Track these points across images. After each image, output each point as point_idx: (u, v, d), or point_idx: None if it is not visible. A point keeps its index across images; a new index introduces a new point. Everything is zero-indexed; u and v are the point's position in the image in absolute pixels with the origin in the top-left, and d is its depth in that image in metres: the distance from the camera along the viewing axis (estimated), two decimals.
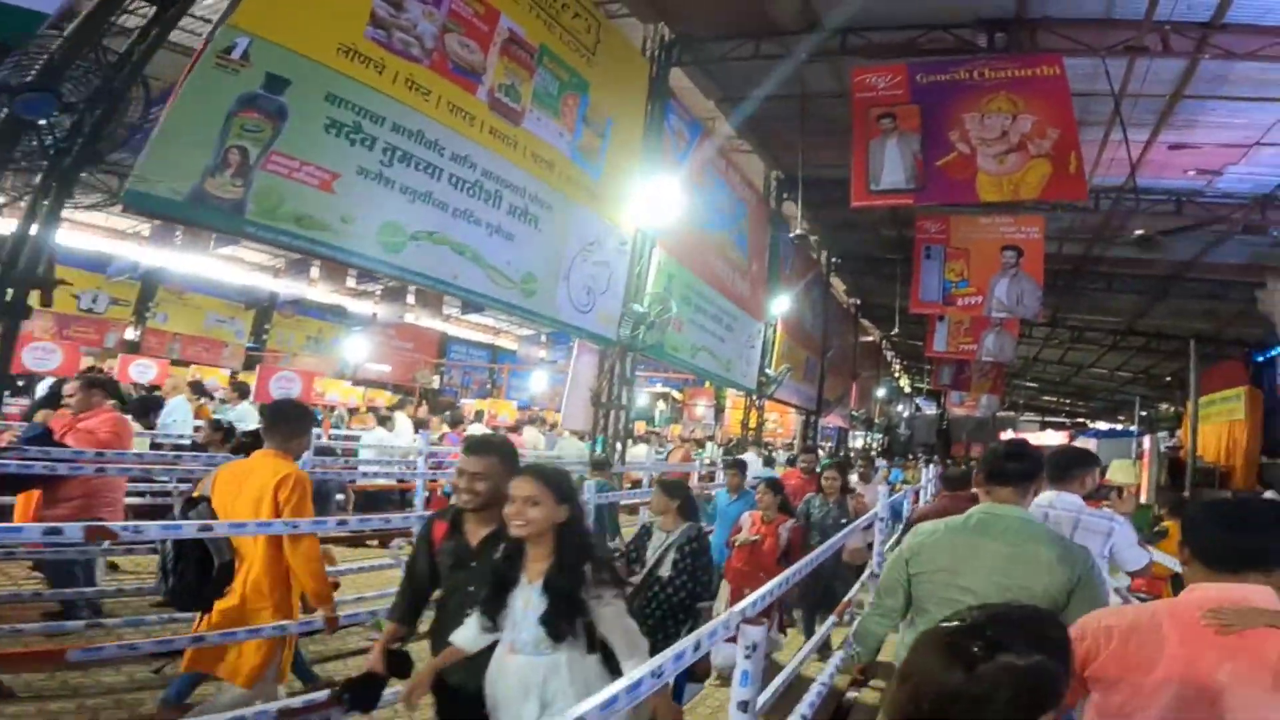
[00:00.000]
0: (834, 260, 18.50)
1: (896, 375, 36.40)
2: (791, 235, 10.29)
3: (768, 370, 12.44)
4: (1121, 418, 37.87)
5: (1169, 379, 24.69)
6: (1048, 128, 7.11)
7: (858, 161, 7.96)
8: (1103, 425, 38.69)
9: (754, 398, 12.65)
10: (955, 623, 1.03)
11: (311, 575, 2.82)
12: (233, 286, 19.02)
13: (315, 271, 18.76)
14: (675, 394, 33.03)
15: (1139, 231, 8.58)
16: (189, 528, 2.58)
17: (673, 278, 9.22)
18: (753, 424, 12.88)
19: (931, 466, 12.27)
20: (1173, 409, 28.54)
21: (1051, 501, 2.88)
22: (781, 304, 12.86)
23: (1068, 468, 3.04)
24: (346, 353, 21.58)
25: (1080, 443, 32.71)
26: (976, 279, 11.98)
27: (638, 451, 13.60)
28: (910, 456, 15.87)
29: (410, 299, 21.60)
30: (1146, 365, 23.84)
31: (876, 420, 31.50)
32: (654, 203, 8.30)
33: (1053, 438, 44.62)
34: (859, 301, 23.02)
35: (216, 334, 19.54)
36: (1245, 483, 17.68)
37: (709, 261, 10.39)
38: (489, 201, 6.32)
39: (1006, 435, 45.69)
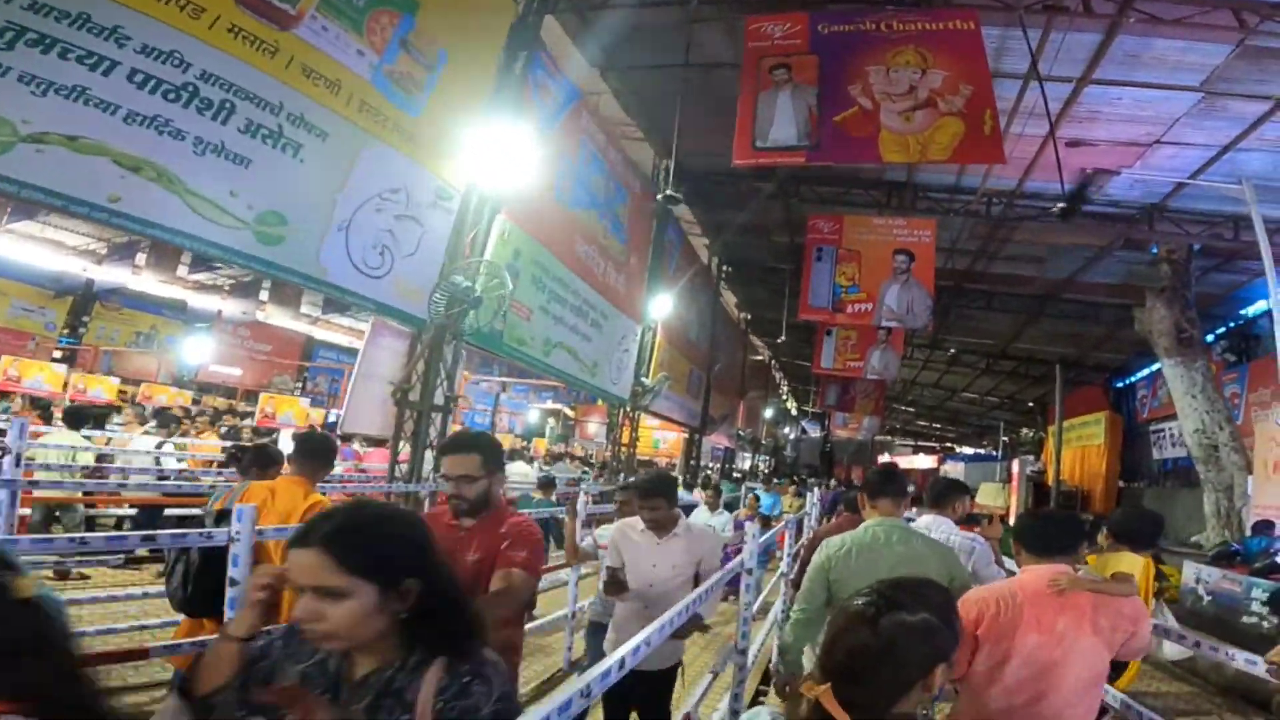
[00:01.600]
0: (725, 268, 17.39)
1: (784, 397, 36.37)
2: (661, 195, 8.56)
3: (644, 379, 10.82)
4: (985, 442, 39.86)
5: (1032, 404, 25.67)
6: (960, 84, 6.00)
7: (743, 115, 6.56)
8: (969, 450, 40.61)
9: (627, 409, 10.99)
10: (858, 600, 1.25)
11: None
12: (45, 272, 16.42)
13: (141, 258, 15.88)
14: (568, 411, 31.27)
15: (1061, 206, 7.73)
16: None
17: (520, 254, 7.40)
18: (624, 439, 11.18)
19: (816, 491, 11.27)
20: (1034, 434, 30.00)
21: (929, 524, 3.40)
22: (663, 306, 11.33)
23: (945, 494, 3.62)
24: (186, 353, 18.78)
25: (949, 466, 33.82)
26: (867, 284, 11.01)
27: (515, 468, 11.64)
28: (793, 479, 14.76)
29: (264, 295, 18.59)
30: (1013, 390, 24.57)
31: (764, 441, 30.95)
32: (500, 161, 6.47)
33: (924, 461, 46.66)
34: (749, 316, 22.16)
35: (22, 324, 16.34)
36: (1105, 506, 18.07)
37: (574, 244, 8.66)
38: (207, 112, 4.41)
39: (884, 458, 47.45)
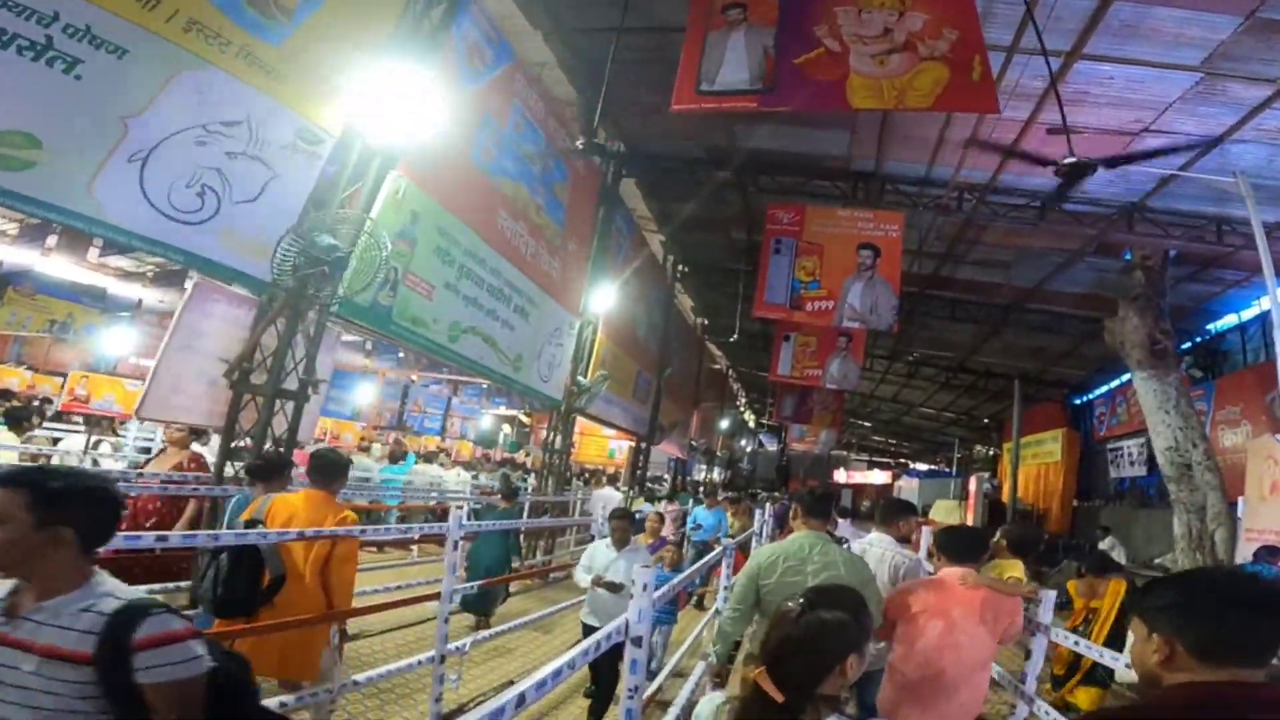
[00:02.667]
0: (681, 267, 16.35)
1: (741, 408, 35.56)
2: (581, 142, 7.38)
3: (581, 378, 9.62)
4: (939, 459, 39.75)
5: (987, 421, 25.30)
6: (944, 28, 5.03)
7: (688, 57, 5.50)
8: (923, 466, 40.45)
9: (560, 411, 9.76)
10: (791, 601, 1.55)
11: (346, 593, 3.33)
12: None
13: (53, 240, 14.18)
14: (523, 417, 29.85)
15: (1068, 159, 6.82)
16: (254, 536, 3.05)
17: (420, 219, 6.14)
18: (556, 444, 9.93)
19: (767, 507, 10.25)
20: (988, 451, 29.75)
21: (872, 540, 3.82)
22: (606, 299, 10.15)
23: (891, 514, 4.01)
24: (105, 344, 17.14)
25: (903, 482, 33.39)
26: (829, 280, 10.06)
27: (430, 470, 10.32)
28: (741, 493, 13.70)
29: (188, 283, 16.80)
30: (970, 406, 24.13)
31: (719, 453, 29.97)
32: (397, 109, 5.25)
33: (879, 477, 46.48)
34: (706, 321, 21.18)
35: None
36: (1060, 525, 17.57)
37: (495, 218, 7.44)
38: None
39: (839, 473, 47.10)
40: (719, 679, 2.99)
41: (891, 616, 2.87)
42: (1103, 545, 10.59)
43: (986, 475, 18.28)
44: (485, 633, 4.85)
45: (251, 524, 3.19)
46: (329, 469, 3.45)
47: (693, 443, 21.40)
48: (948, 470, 30.71)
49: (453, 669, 3.87)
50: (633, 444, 15.62)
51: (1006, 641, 2.90)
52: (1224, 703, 1.16)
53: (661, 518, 4.81)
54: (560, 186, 9.19)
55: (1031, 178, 10.12)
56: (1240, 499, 7.31)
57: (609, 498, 9.47)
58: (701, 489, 17.42)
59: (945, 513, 17.61)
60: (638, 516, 6.04)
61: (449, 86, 6.22)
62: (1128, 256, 11.45)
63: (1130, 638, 1.39)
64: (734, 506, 7.82)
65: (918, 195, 10.97)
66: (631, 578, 2.77)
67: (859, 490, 39.55)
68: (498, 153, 7.48)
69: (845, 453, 48.87)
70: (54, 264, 15.90)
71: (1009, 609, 2.83)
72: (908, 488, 31.48)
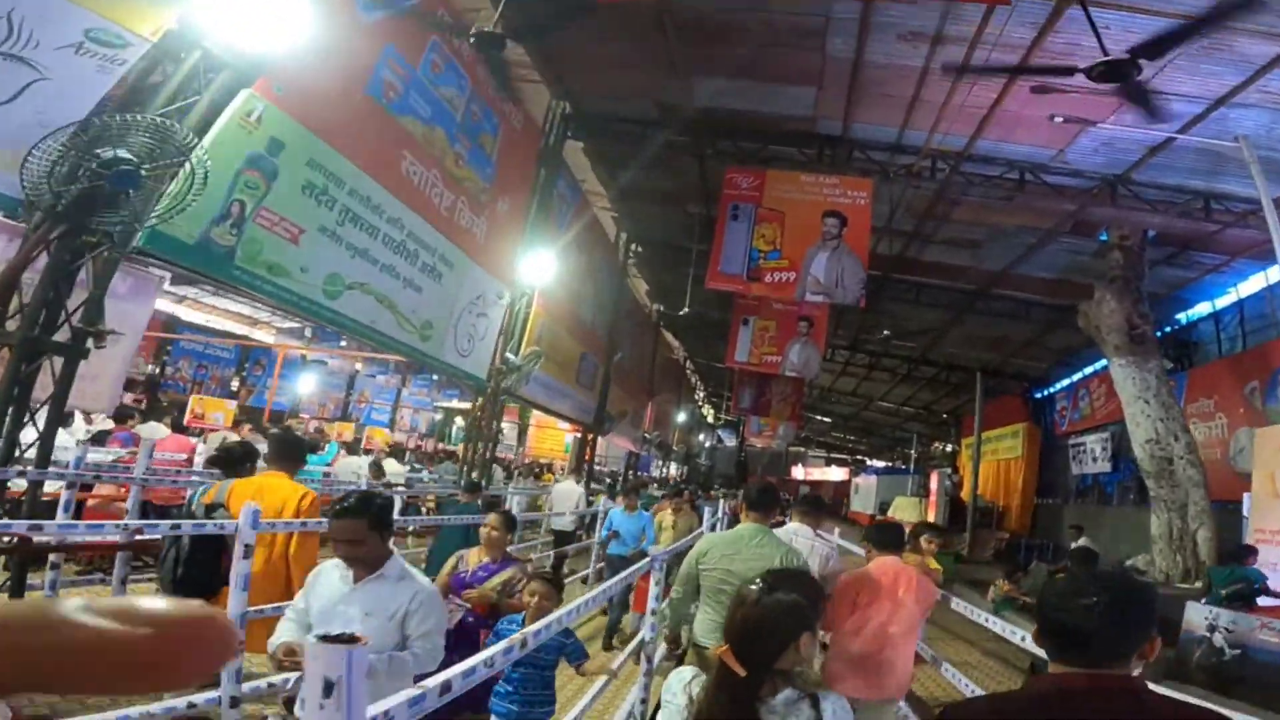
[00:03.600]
0: (634, 247, 15.23)
1: (700, 403, 34.71)
2: (474, 32, 6.12)
3: (510, 355, 8.41)
4: (896, 456, 39.65)
5: (946, 415, 24.94)
6: None
7: None
8: (879, 463, 40.30)
9: (487, 393, 8.54)
10: (749, 585, 1.67)
11: (308, 565, 3.10)
12: None
13: None
14: (477, 411, 28.45)
15: (1100, 61, 5.88)
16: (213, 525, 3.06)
17: (285, 149, 4.88)
18: (486, 433, 8.68)
19: (721, 504, 9.28)
20: (945, 447, 29.54)
21: (795, 529, 4.13)
22: (543, 269, 8.96)
23: (815, 508, 4.55)
24: None
25: (860, 479, 32.95)
26: (791, 249, 9.10)
27: (353, 462, 8.99)
28: (681, 490, 12.73)
29: None
30: (930, 400, 23.70)
31: (675, 448, 29.02)
32: (249, 13, 4.03)
33: (837, 473, 46.34)
34: (662, 308, 20.12)
35: None
36: (1020, 524, 17.10)
37: (396, 160, 6.20)
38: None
39: (797, 469, 46.76)
40: (673, 645, 3.34)
41: (842, 599, 3.20)
42: (1077, 545, 9.87)
43: (948, 471, 17.66)
44: None
45: (212, 508, 3.24)
46: (288, 450, 3.54)
47: (646, 435, 20.35)
48: (905, 467, 30.42)
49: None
50: (578, 434, 14.46)
51: (925, 616, 3.40)
52: (1062, 694, 1.23)
53: (510, 523, 3.27)
54: (489, 139, 7.97)
55: (1011, 145, 9.33)
56: (1246, 495, 6.52)
57: (568, 493, 8.85)
58: (651, 487, 16.35)
59: (907, 510, 16.96)
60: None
61: (337, 8, 5.02)
62: (1104, 238, 10.82)
63: None
64: (673, 503, 6.62)
65: (888, 162, 10.07)
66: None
67: (816, 487, 39.14)
68: (404, 89, 6.24)
69: (803, 449, 48.62)
70: None
71: (930, 590, 3.35)
72: (865, 484, 31.10)
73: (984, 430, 18.02)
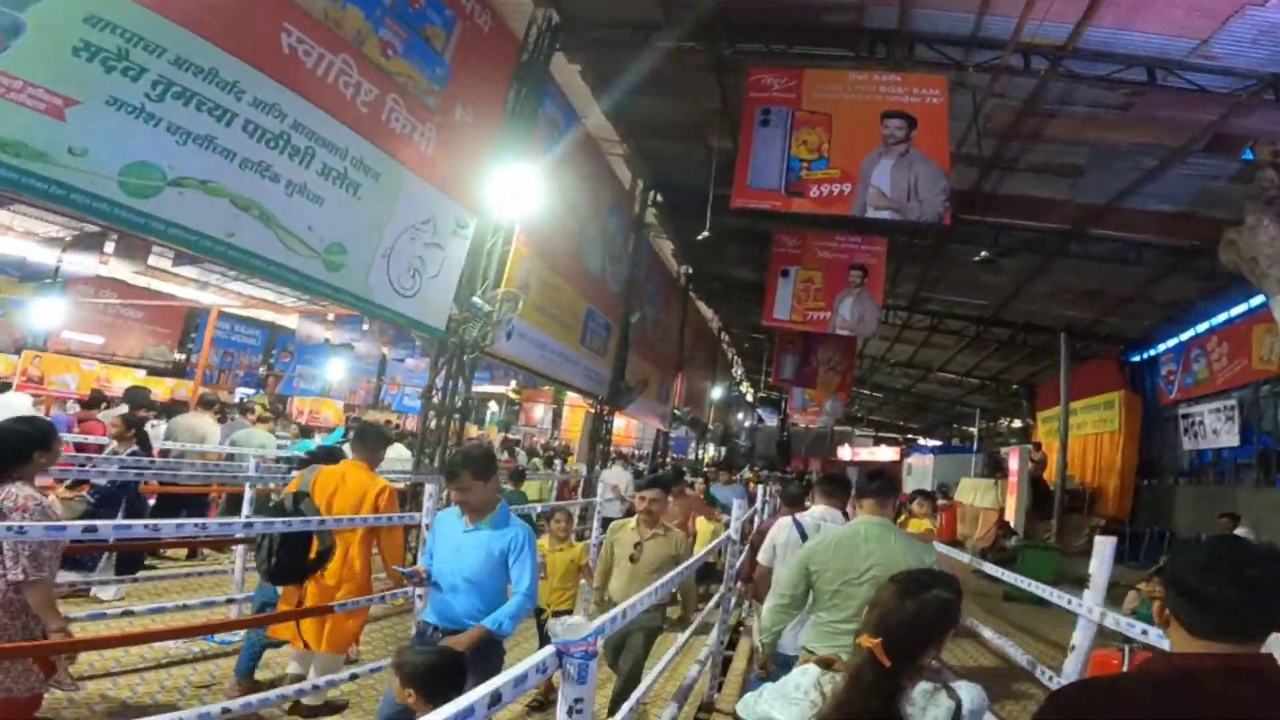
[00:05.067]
0: (654, 195, 13.14)
1: (737, 379, 32.50)
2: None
3: (477, 299, 6.49)
4: (949, 433, 36.71)
5: (1017, 386, 22.17)
6: None
7: None
8: (928, 441, 37.28)
9: (451, 348, 6.64)
10: (899, 580, 1.63)
11: (397, 556, 3.76)
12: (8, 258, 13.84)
13: (110, 246, 12.35)
14: (512, 394, 27.14)
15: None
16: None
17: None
18: (448, 403, 6.76)
19: (764, 489, 7.38)
20: (1011, 422, 26.67)
21: (820, 514, 3.67)
22: (523, 197, 6.98)
23: (838, 488, 3.87)
24: (35, 317, 15.53)
25: (914, 459, 30.39)
26: (842, 156, 6.95)
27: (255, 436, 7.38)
28: (727, 469, 10.55)
29: (109, 247, 14.16)
30: (999, 369, 21.02)
31: (711, 426, 26.87)
32: None
33: (885, 453, 43.44)
34: (691, 270, 18.00)
35: None
36: (1118, 508, 14.51)
37: (264, 29, 4.30)
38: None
39: (843, 450, 44.10)
40: (764, 671, 3.02)
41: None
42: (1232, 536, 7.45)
43: (1030, 448, 15.15)
44: None
45: (299, 497, 3.42)
46: (371, 440, 3.82)
47: (676, 412, 18.34)
48: (966, 446, 27.68)
49: None
50: (586, 407, 12.54)
51: None
52: (1196, 674, 1.13)
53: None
54: (437, 33, 6.00)
55: (1133, 34, 6.96)
56: None
57: (618, 479, 8.76)
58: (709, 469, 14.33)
59: (977, 494, 14.56)
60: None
61: None
62: (1249, 156, 8.41)
63: None
64: (653, 495, 4.31)
65: (963, 60, 7.76)
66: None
67: (864, 468, 36.48)
68: None
69: (849, 428, 45.85)
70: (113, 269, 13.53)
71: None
72: (919, 465, 28.40)
73: (1069, 401, 15.42)
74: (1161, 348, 14.90)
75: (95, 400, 7.33)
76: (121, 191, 3.48)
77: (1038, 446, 16.66)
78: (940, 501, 15.58)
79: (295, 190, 4.51)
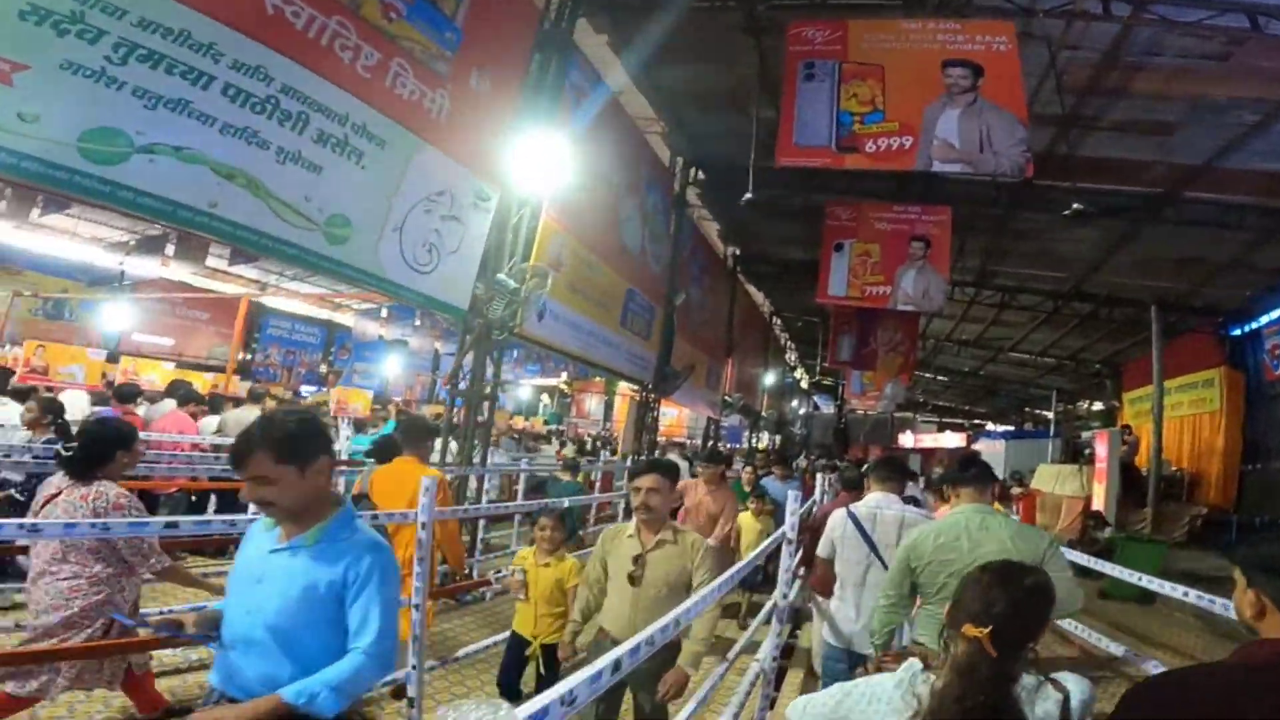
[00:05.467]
0: (694, 173, 12.53)
1: (791, 365, 31.50)
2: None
3: (502, 275, 6.09)
4: (1019, 417, 34.65)
5: (1099, 365, 20.54)
6: None
7: None
8: (997, 427, 35.21)
9: (476, 329, 6.26)
10: (994, 568, 1.55)
11: (454, 544, 3.95)
12: (74, 263, 14.73)
13: (170, 249, 13.34)
14: (564, 386, 27.15)
15: None
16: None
17: None
18: (482, 391, 6.36)
19: (822, 479, 6.79)
20: (1093, 405, 24.83)
21: (879, 501, 3.43)
22: (550, 168, 6.54)
23: (895, 472, 3.68)
24: (105, 320, 16.21)
25: (983, 445, 28.79)
26: (900, 109, 6.27)
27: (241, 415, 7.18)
28: (776, 458, 9.81)
29: (170, 249, 14.74)
30: (1078, 347, 19.48)
31: (764, 413, 26.07)
32: None
33: (951, 439, 41.43)
34: (739, 252, 17.29)
35: None
36: (1221, 495, 13.16)
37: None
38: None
39: (905, 437, 42.32)
40: (880, 666, 2.53)
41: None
42: None
43: (1121, 431, 13.88)
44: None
45: (357, 499, 3.39)
46: (417, 434, 3.84)
47: (727, 399, 17.71)
48: (1041, 430, 25.96)
49: None
50: (632, 395, 12.08)
51: None
52: None
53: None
54: None
55: None
56: None
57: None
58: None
59: (1059, 481, 13.45)
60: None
61: None
62: None
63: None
64: (649, 482, 3.56)
65: (1030, 6, 6.86)
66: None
67: (928, 455, 34.85)
68: None
69: (911, 414, 43.99)
70: (40, 238, 14.08)
71: None
72: (990, 451, 26.80)
73: (1165, 379, 14.05)
74: (1265, 319, 13.34)
75: (131, 394, 7.29)
76: (82, 158, 3.22)
77: (1128, 430, 15.30)
78: (1015, 490, 14.50)
79: (288, 158, 4.20)
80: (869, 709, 1.49)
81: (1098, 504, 12.23)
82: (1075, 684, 1.44)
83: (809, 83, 6.45)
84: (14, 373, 9.44)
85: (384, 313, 21.18)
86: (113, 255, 15.44)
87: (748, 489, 6.72)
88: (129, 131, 3.38)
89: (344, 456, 6.90)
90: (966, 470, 2.78)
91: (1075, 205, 9.18)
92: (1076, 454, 17.51)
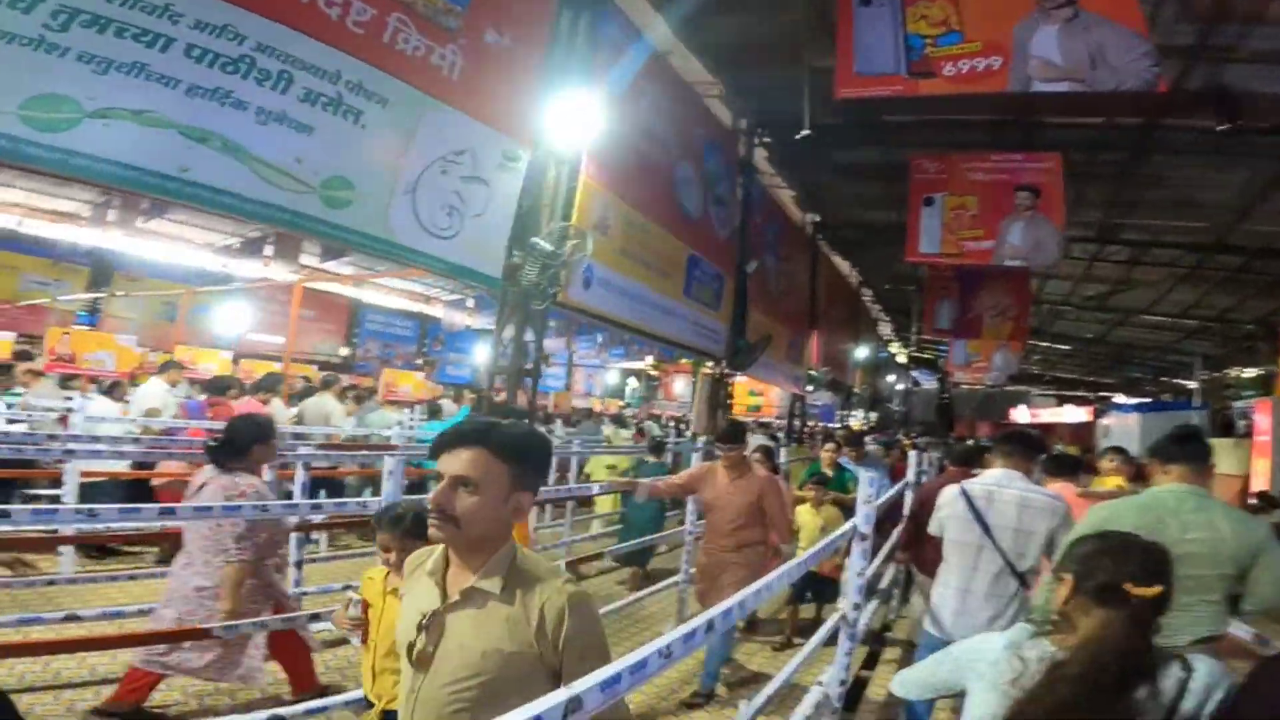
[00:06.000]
0: (759, 133, 11.64)
1: (886, 340, 29.60)
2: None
3: (538, 239, 5.65)
4: (1155, 388, 30.90)
5: (1252, 326, 17.76)
6: None
7: None
8: (1128, 399, 31.47)
9: (512, 298, 5.88)
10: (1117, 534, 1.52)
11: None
12: (180, 267, 15.17)
13: (269, 249, 14.38)
14: (651, 369, 27.07)
15: None
16: None
17: None
18: (516, 363, 5.97)
19: (915, 455, 5.91)
20: (1244, 372, 21.63)
21: (998, 478, 3.10)
22: (590, 125, 6.05)
23: (1022, 446, 3.28)
24: (220, 321, 17.11)
25: (1112, 420, 25.83)
26: (981, 27, 5.61)
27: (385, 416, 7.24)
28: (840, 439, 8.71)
29: (268, 250, 15.80)
30: (1226, 306, 16.91)
31: (857, 389, 24.57)
32: None
33: (1072, 414, 37.66)
34: (819, 219, 16.13)
35: (35, 297, 14.81)
36: None
37: None
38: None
39: (1018, 413, 38.88)
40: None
41: None
42: None
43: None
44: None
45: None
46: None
47: (813, 373, 16.68)
48: (1182, 401, 22.95)
49: None
50: (705, 373, 11.46)
51: None
52: None
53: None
54: None
55: None
56: None
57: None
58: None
59: (1218, 455, 11.65)
60: None
61: None
62: None
63: None
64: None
65: None
66: None
67: (1047, 431, 31.78)
68: None
69: (1025, 388, 40.43)
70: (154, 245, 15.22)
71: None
72: (1121, 426, 24.04)
73: None
74: None
75: (224, 385, 7.53)
76: (25, 125, 3.07)
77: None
78: (1154, 468, 12.73)
79: (271, 118, 3.94)
80: (970, 664, 1.44)
81: (1260, 482, 10.55)
82: (1205, 665, 1.33)
83: (867, 7, 5.54)
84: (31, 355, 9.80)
85: (470, 303, 21.57)
86: (220, 258, 16.33)
87: (829, 472, 5.96)
88: (77, 97, 3.21)
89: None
90: (1184, 446, 2.47)
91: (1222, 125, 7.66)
92: (1228, 427, 15.37)
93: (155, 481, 5.93)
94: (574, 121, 5.95)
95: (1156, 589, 1.31)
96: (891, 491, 4.74)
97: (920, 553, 4.12)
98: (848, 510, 4.77)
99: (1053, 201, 9.65)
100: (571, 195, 6.28)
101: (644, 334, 8.24)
